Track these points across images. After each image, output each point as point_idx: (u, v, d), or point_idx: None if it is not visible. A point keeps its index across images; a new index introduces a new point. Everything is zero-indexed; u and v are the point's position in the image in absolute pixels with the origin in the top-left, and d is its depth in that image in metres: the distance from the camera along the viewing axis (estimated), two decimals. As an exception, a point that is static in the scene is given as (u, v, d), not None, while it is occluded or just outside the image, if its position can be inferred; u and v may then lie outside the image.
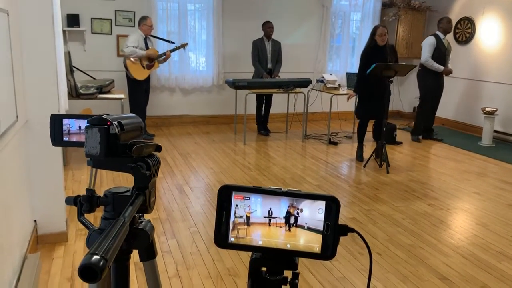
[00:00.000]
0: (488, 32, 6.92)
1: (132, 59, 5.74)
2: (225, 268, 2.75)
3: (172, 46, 6.16)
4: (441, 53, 6.19)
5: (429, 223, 3.55)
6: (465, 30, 7.30)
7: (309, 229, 0.80)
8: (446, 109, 7.74)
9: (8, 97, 2.29)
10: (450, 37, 7.56)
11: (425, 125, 6.49)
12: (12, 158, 2.42)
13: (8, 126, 2.23)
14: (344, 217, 3.62)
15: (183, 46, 6.20)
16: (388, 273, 2.75)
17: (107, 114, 0.88)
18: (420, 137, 6.48)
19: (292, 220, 0.80)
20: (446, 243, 3.21)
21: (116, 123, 0.87)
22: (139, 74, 5.85)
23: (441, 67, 6.16)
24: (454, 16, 7.49)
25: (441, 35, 6.25)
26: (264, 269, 0.84)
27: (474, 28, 7.13)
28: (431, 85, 6.28)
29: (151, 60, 5.94)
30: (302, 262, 2.58)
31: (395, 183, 4.55)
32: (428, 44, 6.22)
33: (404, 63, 5.13)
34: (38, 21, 2.72)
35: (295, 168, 4.96)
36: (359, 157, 5.35)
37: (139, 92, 5.92)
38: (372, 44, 5.04)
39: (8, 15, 2.34)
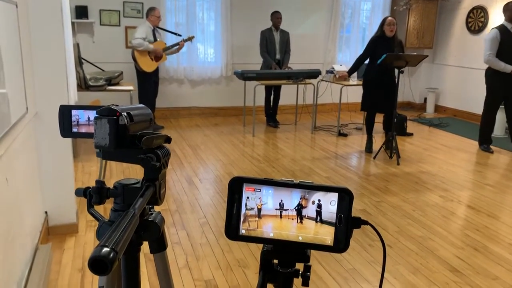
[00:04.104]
0: (501, 22, 6.78)
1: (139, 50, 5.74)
2: (234, 259, 2.76)
3: (180, 38, 6.14)
4: (509, 47, 5.06)
5: (439, 215, 3.52)
6: (478, 19, 7.18)
7: (321, 221, 0.78)
8: (458, 99, 7.65)
9: (18, 90, 2.30)
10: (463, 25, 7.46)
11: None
12: (23, 150, 2.43)
13: (18, 118, 2.24)
14: (354, 209, 3.57)
15: (190, 39, 6.18)
16: (399, 265, 2.74)
17: (116, 105, 0.87)
18: (490, 146, 5.43)
19: (312, 213, 0.78)
20: (457, 235, 3.18)
21: (125, 114, 0.86)
22: (148, 66, 5.85)
23: (509, 67, 5.01)
24: (467, 4, 7.37)
25: (508, 25, 5.11)
26: (276, 261, 0.84)
27: (487, 17, 7.00)
28: (499, 87, 5.19)
29: (159, 53, 5.93)
30: (311, 253, 2.55)
31: (405, 174, 4.51)
32: (488, 39, 5.15)
33: (414, 53, 5.06)
34: (47, 13, 2.72)
35: (304, 160, 4.94)
36: (368, 149, 5.31)
37: (148, 84, 5.93)
38: (380, 34, 5.03)
39: (17, 7, 2.34)
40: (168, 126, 6.44)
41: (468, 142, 5.92)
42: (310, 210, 0.78)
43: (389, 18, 5.04)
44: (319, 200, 0.77)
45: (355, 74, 6.65)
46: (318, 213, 0.78)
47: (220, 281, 2.52)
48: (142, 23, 6.01)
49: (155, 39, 5.91)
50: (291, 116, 7.13)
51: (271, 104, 6.68)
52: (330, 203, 0.78)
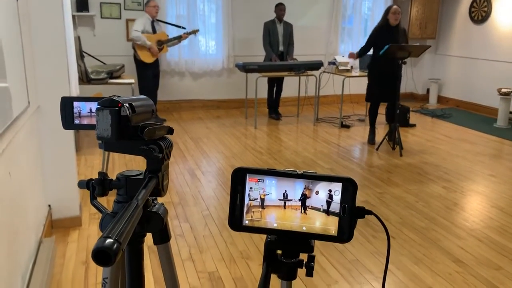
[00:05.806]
0: (505, 11, 6.73)
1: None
2: (238, 251, 2.76)
3: (184, 31, 6.11)
4: None
5: (442, 206, 3.51)
6: (481, 9, 7.12)
7: (327, 211, 0.78)
8: (461, 90, 7.61)
9: (20, 83, 2.29)
10: (465, 14, 7.40)
11: None
12: (25, 144, 2.43)
13: (20, 112, 2.24)
14: (357, 200, 3.59)
15: (194, 32, 6.15)
16: (402, 256, 2.74)
17: (118, 96, 0.87)
18: None
19: (315, 204, 0.77)
20: (460, 226, 3.17)
21: (127, 105, 0.86)
22: (147, 57, 5.82)
23: None
24: (470, -6, 7.30)
25: None
26: (279, 252, 0.83)
27: (491, 7, 6.94)
28: None
29: (160, 44, 5.91)
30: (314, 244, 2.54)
31: (408, 165, 4.50)
32: None
33: (417, 44, 5.03)
34: (48, 6, 2.70)
35: (307, 152, 4.93)
36: (371, 140, 5.30)
37: (147, 75, 5.90)
38: (384, 23, 4.98)
39: (17, 0, 2.32)
40: (170, 119, 6.44)
41: (471, 132, 5.90)
42: (314, 200, 0.78)
43: (395, 6, 4.98)
44: (329, 191, 0.77)
45: (358, 65, 6.63)
46: (329, 203, 0.77)
47: (223, 273, 2.53)
48: (140, 16, 5.98)
49: (154, 31, 5.88)
50: (293, 108, 7.11)
51: (274, 96, 6.66)
52: (334, 193, 0.77)
